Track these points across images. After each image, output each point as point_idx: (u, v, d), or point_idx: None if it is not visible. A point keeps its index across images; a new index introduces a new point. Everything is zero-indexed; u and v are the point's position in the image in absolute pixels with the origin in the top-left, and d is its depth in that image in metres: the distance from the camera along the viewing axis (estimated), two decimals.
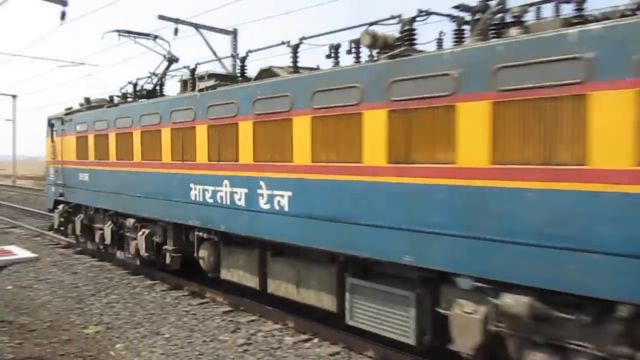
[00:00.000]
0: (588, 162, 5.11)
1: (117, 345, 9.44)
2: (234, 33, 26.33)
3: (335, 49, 8.19)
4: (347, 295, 7.81)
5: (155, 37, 14.23)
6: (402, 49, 7.12)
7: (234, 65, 24.96)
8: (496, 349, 6.28)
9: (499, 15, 6.44)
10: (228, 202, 9.54)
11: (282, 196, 8.43)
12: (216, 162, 9.85)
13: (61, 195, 16.32)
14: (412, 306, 6.89)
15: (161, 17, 22.97)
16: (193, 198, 10.40)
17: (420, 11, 7.26)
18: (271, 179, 8.65)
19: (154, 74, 13.73)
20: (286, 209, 8.35)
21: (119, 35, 14.30)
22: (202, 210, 10.20)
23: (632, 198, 4.83)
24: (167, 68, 13.69)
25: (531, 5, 6.41)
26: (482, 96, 5.88)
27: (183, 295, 10.98)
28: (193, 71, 11.70)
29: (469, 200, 6.03)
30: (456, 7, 6.91)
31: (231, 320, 9.39)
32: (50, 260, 14.59)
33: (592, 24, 5.27)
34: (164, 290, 11.35)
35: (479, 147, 5.89)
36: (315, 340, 8.57)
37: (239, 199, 9.30)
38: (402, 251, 6.71)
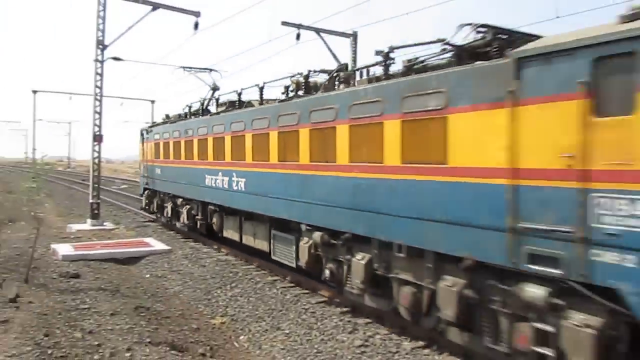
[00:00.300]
0: (448, 162, 7.56)
1: (240, 337, 9.89)
2: (353, 36, 26.55)
3: (286, 89, 12.68)
4: (272, 241, 12.81)
5: (210, 70, 20.06)
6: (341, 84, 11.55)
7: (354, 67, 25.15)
8: (318, 264, 10.92)
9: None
10: (222, 186, 15.07)
11: (240, 181, 13.92)
12: (215, 161, 15.60)
13: (146, 184, 23.40)
14: (293, 244, 11.71)
15: (284, 23, 23.77)
16: (209, 184, 15.96)
17: (339, 69, 12.00)
18: (236, 171, 14.21)
19: (203, 98, 19.04)
20: (244, 189, 13.77)
21: (184, 70, 20.44)
22: (213, 192, 15.76)
23: (473, 185, 7.19)
24: (212, 94, 18.85)
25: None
26: (395, 116, 8.52)
27: (302, 293, 11.23)
28: (217, 99, 18.19)
29: (389, 185, 8.71)
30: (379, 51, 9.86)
31: (349, 321, 9.42)
32: (182, 253, 15.67)
33: (449, 69, 7.82)
34: (284, 287, 11.69)
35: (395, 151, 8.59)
36: (434, 348, 8.33)
37: (225, 183, 14.88)
38: (302, 215, 11.18)
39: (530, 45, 6.66)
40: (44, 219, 15.56)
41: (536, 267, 6.32)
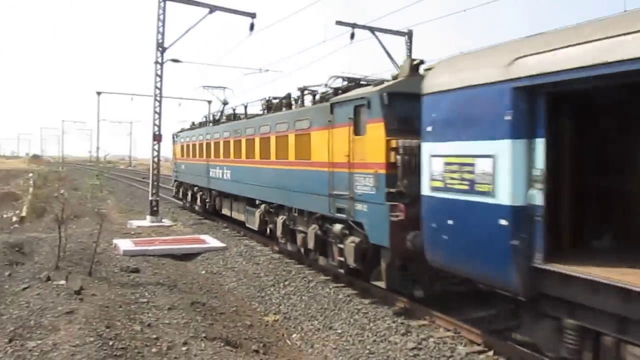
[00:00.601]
0: (311, 159, 12.54)
1: (293, 335, 9.95)
2: (408, 34, 26.26)
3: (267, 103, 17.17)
4: (245, 214, 17.69)
5: (224, 88, 25.28)
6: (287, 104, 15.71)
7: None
8: (265, 225, 15.92)
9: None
10: (218, 177, 20.46)
11: (227, 173, 19.22)
12: (214, 159, 21.07)
13: (175, 177, 29.36)
14: (258, 214, 16.03)
15: (339, 23, 23.80)
16: (212, 176, 21.31)
17: (284, 97, 15.86)
18: (225, 166, 19.56)
19: (219, 111, 23.86)
20: (230, 178, 19.02)
21: (204, 88, 25.89)
22: (214, 181, 21.23)
23: (319, 172, 12.11)
24: (223, 108, 23.56)
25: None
26: (291, 132, 13.67)
27: (355, 293, 11.18)
28: (221, 112, 23.39)
29: (291, 172, 13.85)
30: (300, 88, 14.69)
31: (402, 323, 9.29)
32: (237, 251, 15.94)
33: (312, 106, 13.39)
34: (337, 287, 11.67)
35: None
36: (490, 353, 8.08)
37: (220, 175, 20.22)
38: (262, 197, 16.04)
39: (335, 97, 11.83)
40: (106, 215, 16.21)
41: (339, 215, 11.31)
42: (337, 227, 11.29)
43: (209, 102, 49.20)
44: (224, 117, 22.42)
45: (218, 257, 15.35)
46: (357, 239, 10.65)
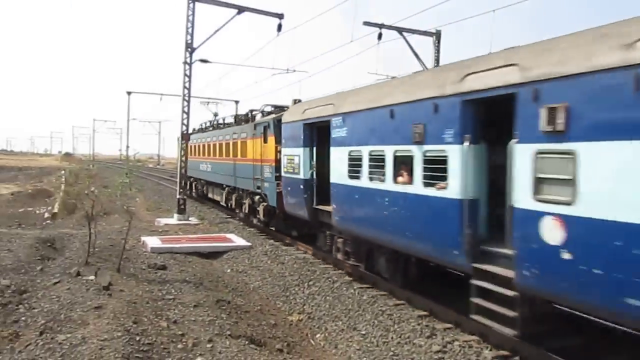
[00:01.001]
0: (248, 157, 20.41)
1: (317, 335, 9.96)
2: (436, 34, 26.04)
3: (235, 118, 25.80)
4: (222, 195, 24.91)
5: (218, 102, 38.50)
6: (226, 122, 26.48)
7: (435, 65, 24.64)
8: (228, 202, 24.14)
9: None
10: (205, 170, 28.62)
11: (209, 167, 27.67)
12: (202, 157, 29.34)
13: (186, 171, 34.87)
14: (224, 194, 24.53)
15: (366, 23, 23.74)
16: (201, 169, 29.37)
17: (221, 122, 28.03)
18: (208, 161, 28.07)
19: (211, 120, 32.28)
20: (211, 170, 27.45)
21: (201, 102, 37.57)
22: (203, 173, 29.19)
23: (249, 165, 20.15)
24: (215, 118, 32.08)
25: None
26: (249, 139, 20.50)
27: (379, 295, 11.13)
28: (212, 122, 30.98)
29: (234, 165, 22.49)
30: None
31: (427, 325, 9.21)
32: (262, 250, 16.03)
33: (247, 124, 21.55)
34: (361, 288, 11.63)
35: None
36: (517, 358, 7.96)
37: (206, 168, 28.39)
38: (225, 182, 24.51)
39: (255, 120, 20.39)
40: (135, 213, 16.45)
41: (257, 190, 18.91)
42: (256, 197, 19.56)
43: (236, 102, 49.72)
44: (212, 127, 29.57)
45: (243, 256, 15.45)
46: (265, 204, 18.52)
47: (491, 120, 8.47)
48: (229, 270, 14.34)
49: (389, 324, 9.52)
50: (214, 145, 26.33)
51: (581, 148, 6.31)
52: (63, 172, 56.26)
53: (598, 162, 6.14)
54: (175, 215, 22.37)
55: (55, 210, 27.24)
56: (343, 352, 9.06)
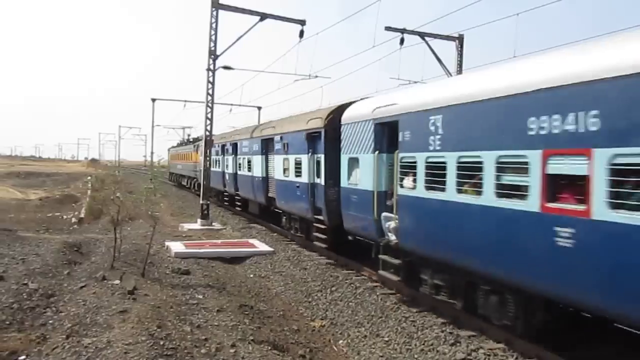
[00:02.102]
0: (191, 160, 44.02)
1: (339, 341, 9.91)
2: (459, 39, 25.85)
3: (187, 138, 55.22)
4: (185, 184, 48.39)
5: (190, 127, 63.24)
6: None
7: (458, 72, 24.45)
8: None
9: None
10: (180, 169, 53.64)
11: (181, 167, 52.15)
12: (180, 161, 54.10)
13: (170, 170, 59.13)
14: (187, 182, 48.25)
15: (388, 29, 23.67)
16: (179, 168, 53.70)
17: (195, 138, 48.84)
18: (182, 164, 53.37)
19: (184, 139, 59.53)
20: (182, 169, 51.63)
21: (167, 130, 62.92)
22: (179, 170, 53.69)
23: (192, 164, 43.07)
24: (188, 138, 56.05)
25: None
26: (191, 151, 44.98)
27: (403, 301, 11.03)
28: (188, 140, 56.33)
29: (191, 165, 44.49)
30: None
31: (450, 332, 9.09)
32: (284, 255, 16.04)
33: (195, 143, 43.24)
34: (384, 294, 11.55)
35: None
36: None
37: (181, 168, 52.40)
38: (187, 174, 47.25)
39: (192, 142, 46.35)
40: (159, 218, 16.62)
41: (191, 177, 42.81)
42: (184, 181, 46.01)
43: (259, 108, 50.06)
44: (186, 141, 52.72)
45: (266, 261, 15.49)
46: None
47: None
48: (251, 276, 14.39)
49: (412, 331, 9.43)
50: (185, 154, 47.75)
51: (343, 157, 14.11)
52: (89, 177, 57.29)
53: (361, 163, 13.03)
54: (199, 221, 22.55)
55: (82, 215, 27.72)
56: (366, 359, 9.00)
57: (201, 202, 23.08)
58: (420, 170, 10.11)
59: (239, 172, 26.06)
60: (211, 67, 22.79)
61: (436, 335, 9.05)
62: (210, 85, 23.01)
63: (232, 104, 47.45)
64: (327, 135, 14.97)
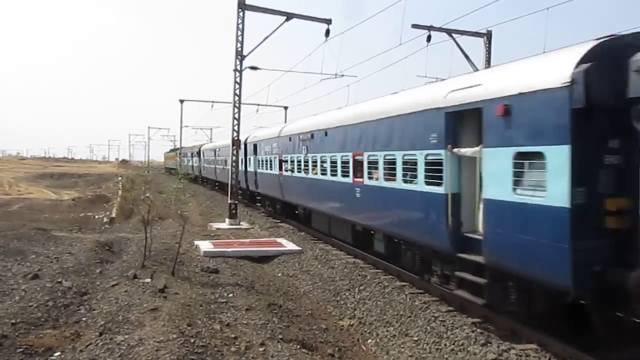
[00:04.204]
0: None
1: (368, 341, 9.86)
2: (487, 35, 25.48)
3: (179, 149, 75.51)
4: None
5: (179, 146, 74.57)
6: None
7: (485, 67, 24.08)
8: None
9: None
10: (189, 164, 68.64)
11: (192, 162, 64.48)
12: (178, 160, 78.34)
13: (172, 168, 78.27)
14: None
15: (414, 26, 23.47)
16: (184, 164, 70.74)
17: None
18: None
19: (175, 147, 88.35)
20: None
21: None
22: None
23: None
24: (174, 147, 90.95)
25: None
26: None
27: (432, 300, 10.93)
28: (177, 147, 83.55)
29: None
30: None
31: (481, 333, 8.95)
32: (312, 254, 16.05)
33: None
34: (413, 293, 11.46)
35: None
36: None
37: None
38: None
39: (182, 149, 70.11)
40: (188, 218, 16.82)
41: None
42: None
43: (285, 107, 50.23)
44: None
45: (294, 260, 15.52)
46: None
47: None
48: (279, 275, 14.44)
49: (441, 331, 9.32)
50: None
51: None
52: (120, 178, 58.36)
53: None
54: (227, 220, 22.75)
55: (113, 215, 28.22)
56: (395, 359, 8.94)
57: (229, 201, 23.27)
58: None
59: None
60: (238, 67, 22.95)
61: (466, 335, 8.93)
62: (237, 86, 23.18)
63: (258, 104, 47.75)
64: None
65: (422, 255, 11.73)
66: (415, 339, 9.33)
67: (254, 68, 26.61)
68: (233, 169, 24.06)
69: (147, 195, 15.14)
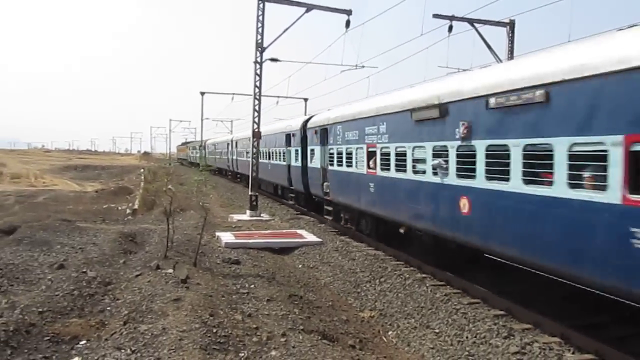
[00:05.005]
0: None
1: (389, 332, 9.85)
2: (510, 25, 25.07)
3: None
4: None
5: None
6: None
7: (508, 57, 23.72)
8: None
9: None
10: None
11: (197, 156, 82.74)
12: (186, 153, 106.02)
13: (183, 159, 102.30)
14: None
15: (435, 16, 23.21)
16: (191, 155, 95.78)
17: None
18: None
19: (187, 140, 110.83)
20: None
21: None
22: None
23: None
24: (186, 140, 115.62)
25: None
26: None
27: (453, 293, 10.86)
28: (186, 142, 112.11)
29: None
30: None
31: (504, 325, 8.88)
32: (333, 246, 16.07)
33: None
34: (434, 285, 11.41)
35: None
36: None
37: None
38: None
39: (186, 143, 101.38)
40: (209, 209, 16.95)
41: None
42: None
43: (305, 99, 50.21)
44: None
45: (315, 252, 15.55)
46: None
47: None
48: (300, 266, 14.49)
49: (463, 323, 9.27)
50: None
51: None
52: (142, 170, 59.07)
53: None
54: (248, 212, 22.87)
55: (136, 206, 28.55)
56: (416, 350, 8.92)
57: (250, 193, 23.39)
58: None
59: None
60: (258, 59, 22.97)
61: (489, 328, 8.87)
62: (257, 78, 23.21)
63: (278, 96, 47.83)
64: None
65: None
66: (437, 331, 9.30)
67: (274, 60, 26.59)
68: (254, 160, 24.14)
69: (169, 187, 15.30)
